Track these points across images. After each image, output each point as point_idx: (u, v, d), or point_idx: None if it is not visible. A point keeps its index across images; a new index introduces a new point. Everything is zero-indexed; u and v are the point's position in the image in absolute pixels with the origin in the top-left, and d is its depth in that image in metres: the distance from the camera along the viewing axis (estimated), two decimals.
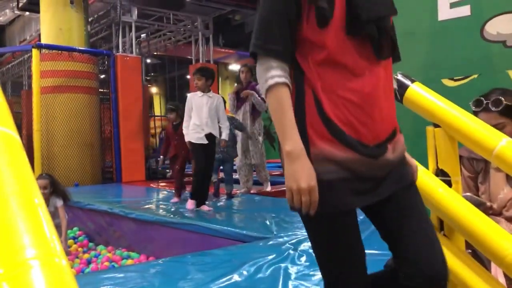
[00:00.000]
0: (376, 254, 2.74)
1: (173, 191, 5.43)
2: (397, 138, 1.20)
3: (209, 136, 4.42)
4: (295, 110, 1.10)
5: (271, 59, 1.10)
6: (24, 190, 0.55)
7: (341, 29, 1.09)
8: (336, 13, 1.08)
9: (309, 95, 1.11)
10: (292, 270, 2.47)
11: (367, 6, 1.08)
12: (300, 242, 3.06)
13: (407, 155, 1.27)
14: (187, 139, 4.45)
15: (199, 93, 4.53)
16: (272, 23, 1.10)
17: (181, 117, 5.00)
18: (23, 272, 0.46)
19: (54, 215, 3.81)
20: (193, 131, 4.41)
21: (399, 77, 1.62)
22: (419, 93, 1.61)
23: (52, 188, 3.88)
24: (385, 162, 1.14)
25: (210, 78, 4.53)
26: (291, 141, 1.06)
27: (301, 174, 1.05)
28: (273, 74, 1.09)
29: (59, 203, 3.86)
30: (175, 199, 5.11)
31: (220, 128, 4.60)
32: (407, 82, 1.60)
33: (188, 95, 4.63)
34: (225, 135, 4.59)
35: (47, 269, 0.47)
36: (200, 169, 4.45)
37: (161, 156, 5.70)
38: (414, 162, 1.29)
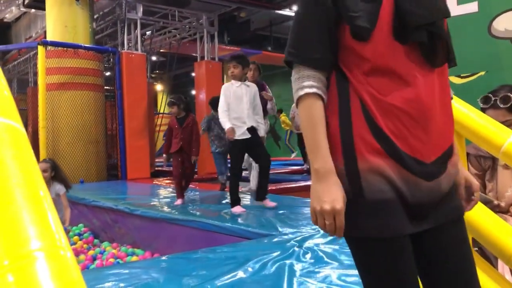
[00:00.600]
0: None
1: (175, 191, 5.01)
2: (453, 159, 1.06)
3: (251, 130, 4.02)
4: (340, 120, 1.01)
5: (306, 68, 1.02)
6: (29, 182, 0.55)
7: (389, 34, 0.99)
8: (382, 18, 0.99)
9: (356, 104, 1.01)
10: (297, 267, 2.46)
11: (416, 12, 0.98)
12: (305, 239, 3.06)
13: (466, 173, 1.14)
14: (232, 136, 3.97)
15: (235, 83, 4.11)
16: (310, 30, 1.02)
17: (184, 110, 4.77)
18: (28, 264, 0.45)
19: (56, 202, 3.82)
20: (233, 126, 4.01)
21: None
22: None
23: (53, 173, 3.86)
24: (437, 186, 1.01)
25: (246, 66, 4.17)
26: (320, 158, 0.98)
27: (326, 195, 0.96)
28: (305, 84, 1.02)
29: (62, 190, 3.85)
30: (178, 201, 4.70)
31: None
32: None
33: (224, 86, 4.22)
34: (263, 132, 4.22)
35: (52, 261, 0.47)
36: (236, 168, 4.17)
37: (164, 155, 5.29)
38: (473, 180, 1.13)
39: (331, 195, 0.96)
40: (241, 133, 3.98)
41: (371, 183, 0.97)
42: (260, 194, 4.29)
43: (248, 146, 4.06)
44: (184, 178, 4.87)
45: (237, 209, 4.07)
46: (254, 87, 4.20)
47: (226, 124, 4.00)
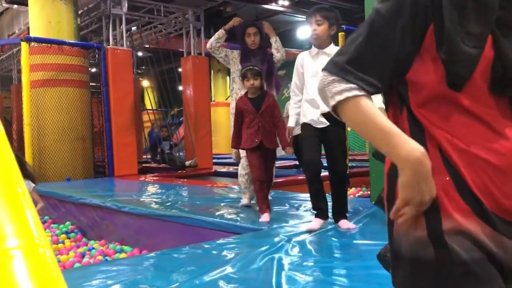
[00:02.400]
0: (370, 244, 2.75)
1: (256, 205, 3.65)
2: None
3: (328, 116, 3.02)
4: None
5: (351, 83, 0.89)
6: (7, 178, 0.54)
7: (482, 82, 0.88)
8: (480, 67, 0.87)
9: (435, 154, 0.88)
10: (286, 261, 2.47)
11: None
12: (294, 234, 3.06)
13: None
14: (293, 122, 3.27)
15: (313, 50, 3.18)
16: (373, 54, 0.89)
17: (262, 87, 3.56)
18: (5, 262, 0.44)
19: None
20: (305, 109, 3.18)
21: None
22: None
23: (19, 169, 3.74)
24: None
25: (335, 24, 3.13)
26: (405, 144, 0.85)
27: (428, 184, 0.84)
28: (351, 87, 0.89)
29: (30, 187, 3.66)
30: (265, 217, 3.45)
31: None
32: None
33: (300, 55, 3.32)
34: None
35: (30, 259, 0.45)
36: (309, 163, 3.13)
37: (233, 150, 4.09)
38: None
39: (428, 183, 0.84)
40: (314, 119, 3.11)
41: (456, 244, 0.85)
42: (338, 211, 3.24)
43: (322, 137, 3.13)
44: (266, 182, 3.59)
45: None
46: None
47: (291, 110, 3.33)
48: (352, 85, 0.88)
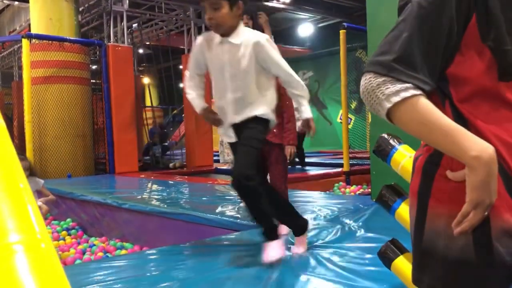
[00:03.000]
0: (371, 241, 2.75)
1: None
2: None
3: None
4: (453, 170, 0.85)
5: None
6: (9, 174, 0.54)
7: None
8: None
9: None
10: (286, 257, 2.47)
11: None
12: None
13: None
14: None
15: (216, 37, 2.38)
16: (421, 50, 0.84)
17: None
18: (7, 256, 0.44)
19: (35, 198, 3.90)
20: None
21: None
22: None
23: (30, 171, 3.94)
24: None
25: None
26: (475, 142, 0.79)
27: (495, 184, 0.79)
28: (407, 86, 0.83)
29: (41, 182, 3.92)
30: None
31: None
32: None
33: (201, 37, 2.47)
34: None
35: (32, 254, 0.46)
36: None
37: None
38: None
39: (495, 183, 0.79)
40: None
41: (503, 245, 0.81)
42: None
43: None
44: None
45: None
46: None
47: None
48: (408, 85, 0.82)
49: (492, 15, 0.83)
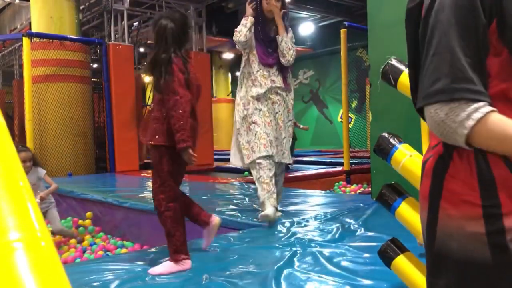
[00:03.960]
0: (371, 240, 2.75)
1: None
2: None
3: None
4: (464, 171, 0.84)
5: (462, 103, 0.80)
6: (8, 171, 0.54)
7: None
8: None
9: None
10: (287, 256, 2.47)
11: None
12: (296, 230, 3.07)
13: None
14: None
15: None
16: (470, 64, 0.81)
17: None
18: (7, 254, 0.44)
19: (39, 187, 4.09)
20: None
21: (393, 62, 1.60)
22: None
23: (33, 161, 4.10)
24: None
25: None
26: None
27: None
28: (475, 106, 0.79)
29: (43, 172, 4.08)
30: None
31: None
32: (401, 67, 1.59)
33: None
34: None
35: (31, 252, 0.46)
36: None
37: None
38: None
39: None
40: None
41: None
42: None
43: None
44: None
45: None
46: None
47: None
48: (475, 104, 0.79)
49: (510, 16, 0.82)
